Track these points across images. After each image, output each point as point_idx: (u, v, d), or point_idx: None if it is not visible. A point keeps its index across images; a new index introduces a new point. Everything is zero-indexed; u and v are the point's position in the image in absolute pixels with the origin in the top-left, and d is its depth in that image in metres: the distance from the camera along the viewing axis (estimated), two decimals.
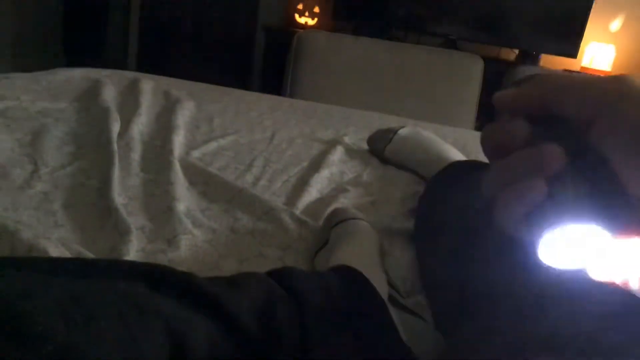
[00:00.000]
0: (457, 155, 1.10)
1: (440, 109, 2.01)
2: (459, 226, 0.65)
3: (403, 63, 2.18)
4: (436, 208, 0.80)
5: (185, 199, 0.79)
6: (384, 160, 1.12)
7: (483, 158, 0.98)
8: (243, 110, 1.33)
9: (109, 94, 1.21)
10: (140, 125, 1.06)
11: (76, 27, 4.15)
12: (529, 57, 2.50)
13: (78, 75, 1.34)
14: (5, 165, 0.77)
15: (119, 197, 0.74)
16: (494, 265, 0.53)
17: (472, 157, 1.23)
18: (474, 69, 2.15)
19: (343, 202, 0.90)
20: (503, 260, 0.51)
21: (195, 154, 0.98)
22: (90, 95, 1.19)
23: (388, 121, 1.40)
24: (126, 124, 1.04)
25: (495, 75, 2.17)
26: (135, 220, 0.71)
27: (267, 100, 1.51)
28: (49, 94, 1.15)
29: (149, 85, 1.32)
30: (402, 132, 1.16)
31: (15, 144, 0.85)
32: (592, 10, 2.36)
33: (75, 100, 1.16)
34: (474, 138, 1.42)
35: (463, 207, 0.68)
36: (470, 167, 0.93)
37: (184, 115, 1.16)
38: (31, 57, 3.55)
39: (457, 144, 1.31)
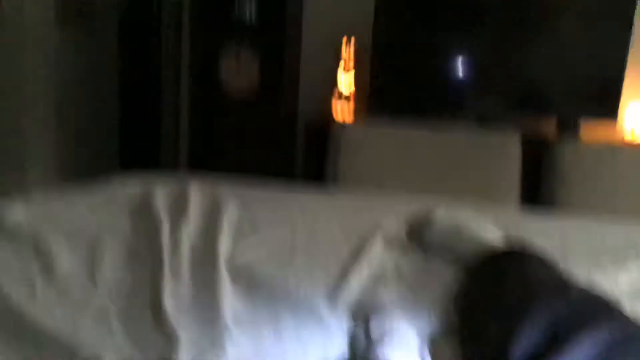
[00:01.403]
0: (494, 233, 1.11)
1: (482, 189, 2.03)
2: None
3: (440, 147, 2.23)
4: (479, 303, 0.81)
5: (230, 303, 0.83)
6: (423, 246, 1.14)
7: (526, 238, 0.99)
8: (285, 205, 1.40)
9: (160, 202, 1.29)
10: (189, 230, 1.13)
11: (131, 132, 4.45)
12: (568, 125, 2.50)
13: (131, 184, 1.45)
14: (67, 282, 0.84)
15: (169, 307, 0.79)
16: None
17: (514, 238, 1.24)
18: (511, 146, 2.17)
19: (383, 294, 0.92)
20: None
21: (239, 255, 1.03)
22: (143, 205, 1.28)
23: (427, 205, 1.43)
24: (175, 231, 1.11)
25: (535, 148, 2.18)
26: (185, 328, 0.75)
27: (307, 193, 1.57)
28: (105, 206, 1.25)
29: (197, 189, 1.41)
30: (438, 216, 1.19)
31: (76, 260, 0.93)
32: (628, 68, 2.37)
33: (128, 210, 1.24)
34: (514, 215, 1.42)
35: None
36: (506, 259, 0.95)
37: (229, 217, 1.22)
38: (89, 162, 3.80)
39: (498, 222, 1.32)
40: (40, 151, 3.42)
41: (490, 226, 1.14)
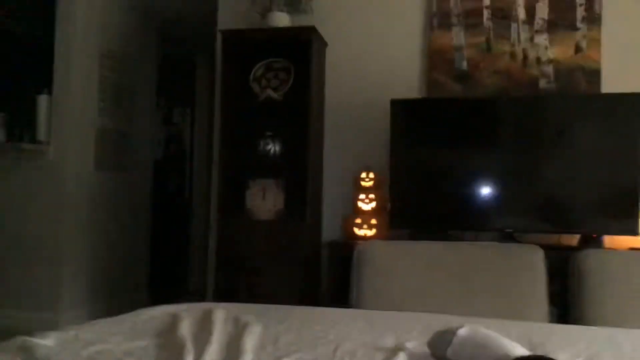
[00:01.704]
0: (519, 350, 1.09)
1: (508, 304, 2.00)
2: None
3: (463, 261, 2.23)
4: None
5: None
6: None
7: (550, 350, 0.98)
8: (307, 326, 1.41)
9: (185, 328, 1.32)
10: (212, 354, 1.15)
11: (163, 266, 4.55)
12: (591, 239, 2.50)
13: (158, 313, 1.49)
14: None
15: None
16: None
17: (539, 349, 1.22)
18: (534, 260, 2.16)
19: None
20: None
21: None
22: (168, 331, 1.31)
23: (450, 322, 1.42)
24: (199, 355, 1.13)
25: (558, 262, 2.17)
26: None
27: (330, 313, 1.58)
28: (132, 334, 1.29)
29: (221, 314, 1.44)
30: (461, 332, 1.18)
31: None
32: None
33: (155, 336, 1.28)
34: (540, 330, 1.40)
35: None
36: None
37: (251, 339, 1.24)
38: (122, 298, 3.86)
39: (522, 337, 1.30)
40: (76, 279, 3.52)
41: (516, 343, 1.13)
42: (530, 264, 2.14)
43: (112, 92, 3.85)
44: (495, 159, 2.73)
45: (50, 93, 3.47)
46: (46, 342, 1.15)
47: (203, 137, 5.21)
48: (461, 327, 1.19)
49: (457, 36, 3.05)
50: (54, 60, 3.50)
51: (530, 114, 2.74)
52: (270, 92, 3.12)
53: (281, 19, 3.11)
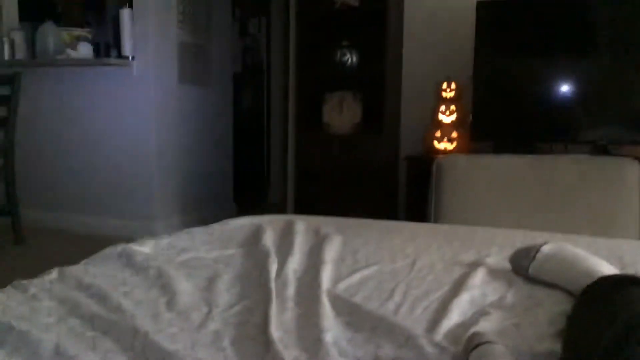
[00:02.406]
0: (608, 269, 1.05)
1: (598, 220, 1.92)
2: None
3: (551, 176, 2.14)
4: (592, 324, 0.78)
5: (332, 330, 0.87)
6: (529, 280, 1.11)
7: None
8: (386, 239, 1.43)
9: (269, 238, 1.38)
10: (294, 263, 1.20)
11: (244, 173, 4.73)
12: None
13: (244, 223, 1.56)
14: (187, 308, 0.93)
15: (276, 332, 0.85)
16: None
17: (630, 269, 1.17)
18: (629, 173, 2.04)
19: (484, 325, 0.91)
20: None
21: (341, 286, 1.07)
22: (253, 241, 1.38)
23: (533, 238, 1.39)
24: (282, 263, 1.18)
25: None
26: (289, 352, 0.80)
27: (408, 227, 1.59)
28: (220, 242, 1.36)
29: (302, 226, 1.49)
30: (545, 248, 1.15)
31: (195, 289, 1.03)
32: None
33: (241, 246, 1.35)
34: (631, 248, 1.33)
35: None
36: (622, 281, 0.89)
37: (331, 251, 1.28)
38: (207, 200, 4.08)
39: (612, 255, 1.25)
40: (166, 191, 3.75)
41: (604, 262, 1.09)
42: (623, 178, 2.02)
43: (189, 5, 3.85)
44: (589, 65, 2.52)
45: (131, 7, 3.52)
46: (144, 248, 1.24)
47: (279, 48, 5.16)
48: (545, 243, 1.16)
49: None
50: None
51: (630, 16, 2.46)
52: None
53: None
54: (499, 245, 1.37)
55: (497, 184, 2.17)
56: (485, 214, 2.01)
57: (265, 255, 1.23)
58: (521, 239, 1.41)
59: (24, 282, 1.00)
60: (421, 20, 3.11)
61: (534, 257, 1.14)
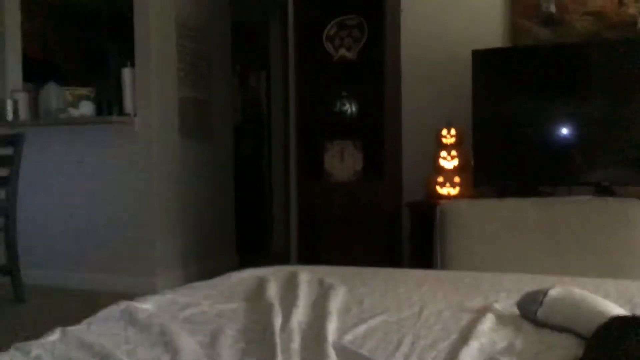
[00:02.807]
0: (618, 311, 1.04)
1: (606, 262, 1.89)
2: None
3: (556, 219, 2.13)
4: None
5: None
6: (538, 324, 1.09)
7: None
8: (391, 288, 1.41)
9: (272, 290, 1.37)
10: (299, 315, 1.18)
11: (246, 222, 4.73)
12: None
13: (247, 276, 1.55)
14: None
15: None
16: None
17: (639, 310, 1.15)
18: (635, 214, 2.03)
19: None
20: None
21: (348, 337, 1.05)
22: (257, 294, 1.36)
23: (540, 282, 1.37)
24: (287, 316, 1.16)
25: None
26: None
27: (413, 275, 1.57)
28: (223, 297, 1.35)
29: (306, 277, 1.47)
30: (553, 292, 1.14)
31: (198, 346, 1.00)
32: None
33: (244, 299, 1.33)
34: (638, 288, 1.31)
35: None
36: (634, 322, 0.88)
37: (336, 301, 1.26)
38: (212, 260, 4.05)
39: (622, 297, 1.24)
40: (168, 244, 3.73)
41: (612, 303, 1.07)
42: (629, 219, 2.02)
43: (190, 61, 3.95)
44: (588, 108, 2.55)
45: (133, 66, 3.61)
46: (146, 306, 1.23)
47: (279, 100, 5.26)
48: (553, 287, 1.15)
49: None
50: (134, 34, 3.62)
51: (626, 59, 2.52)
52: (344, 51, 3.07)
53: None
54: (506, 291, 1.35)
55: (502, 229, 2.16)
56: (492, 259, 1.99)
57: (269, 308, 1.21)
58: (529, 283, 1.39)
59: (26, 343, 0.98)
60: (418, 69, 3.18)
61: (542, 301, 1.12)
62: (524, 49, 2.80)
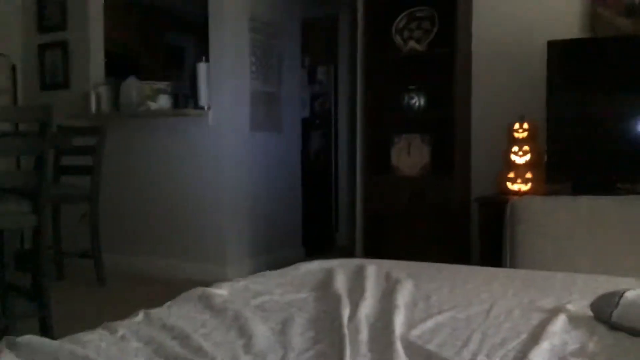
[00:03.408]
0: None
1: None
2: None
3: (635, 218, 2.04)
4: None
5: None
6: (613, 327, 1.06)
7: None
8: (459, 284, 1.40)
9: (340, 282, 1.40)
10: (366, 308, 1.20)
11: (313, 216, 4.80)
12: None
13: (315, 267, 1.59)
14: (263, 351, 0.96)
15: None
16: None
17: None
18: None
19: None
20: None
21: (415, 332, 1.07)
22: (325, 285, 1.39)
23: (616, 284, 1.32)
24: (354, 308, 1.19)
25: None
26: None
27: (483, 272, 1.55)
28: (293, 286, 1.39)
29: (373, 270, 1.49)
30: (629, 294, 1.10)
31: (270, 332, 1.05)
32: None
33: (313, 290, 1.37)
34: None
35: None
36: None
37: (403, 295, 1.28)
38: (278, 252, 4.15)
39: None
40: (238, 234, 3.86)
41: None
42: None
43: (261, 55, 4.04)
44: None
45: (208, 61, 3.74)
46: (221, 291, 1.29)
47: (347, 93, 5.28)
48: (630, 289, 1.11)
49: None
50: (209, 31, 3.74)
51: None
52: (413, 44, 3.05)
53: None
54: (579, 291, 1.31)
55: (576, 227, 2.08)
56: (565, 258, 1.93)
57: (337, 300, 1.24)
58: (603, 284, 1.35)
59: (114, 323, 1.06)
60: (490, 61, 3.10)
61: (617, 303, 1.09)
62: (604, 40, 2.67)
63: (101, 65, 4.27)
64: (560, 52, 2.59)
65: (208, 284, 1.36)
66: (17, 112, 3.26)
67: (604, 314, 1.09)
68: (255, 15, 3.97)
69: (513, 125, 2.82)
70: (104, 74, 4.28)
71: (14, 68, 4.35)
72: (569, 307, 1.19)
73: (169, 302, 1.23)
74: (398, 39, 3.12)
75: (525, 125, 2.79)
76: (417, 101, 3.08)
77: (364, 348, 0.98)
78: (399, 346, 0.98)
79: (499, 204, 2.46)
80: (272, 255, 4.06)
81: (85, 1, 4.16)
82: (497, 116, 3.03)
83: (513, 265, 2.00)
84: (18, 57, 4.41)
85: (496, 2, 3.08)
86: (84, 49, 4.19)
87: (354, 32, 3.88)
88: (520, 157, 2.77)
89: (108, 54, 4.34)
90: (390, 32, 3.14)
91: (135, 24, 4.85)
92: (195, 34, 5.08)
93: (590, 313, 1.13)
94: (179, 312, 1.16)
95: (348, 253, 3.59)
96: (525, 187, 2.72)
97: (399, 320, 1.11)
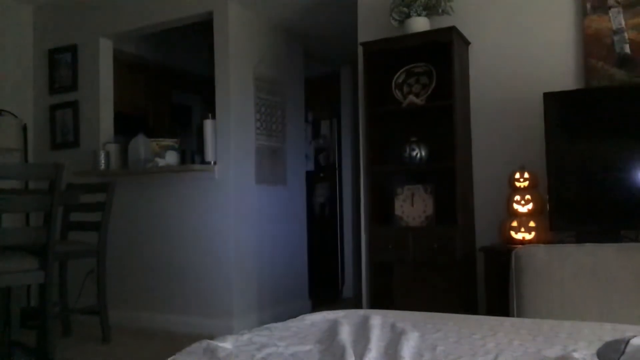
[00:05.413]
0: None
1: None
2: None
3: (639, 265, 2.03)
4: None
5: None
6: None
7: None
8: (465, 334, 1.40)
9: (345, 333, 1.39)
10: (371, 359, 1.20)
11: (318, 268, 4.77)
12: None
13: (320, 318, 1.58)
14: None
15: None
16: None
17: None
18: None
19: None
20: None
21: None
22: (329, 336, 1.39)
23: (623, 331, 1.32)
24: (359, 359, 1.19)
25: None
26: None
27: (489, 321, 1.54)
28: (298, 338, 1.39)
29: (377, 321, 1.49)
30: (636, 341, 1.09)
31: None
32: None
33: (318, 341, 1.36)
34: None
35: None
36: None
37: (408, 346, 1.27)
38: (285, 305, 4.11)
39: None
40: (244, 288, 3.83)
41: None
42: None
43: (266, 112, 4.15)
44: None
45: (214, 117, 3.84)
46: (225, 344, 1.29)
47: (349, 146, 5.37)
48: (636, 336, 1.11)
49: (616, 18, 2.79)
50: (216, 89, 3.87)
51: None
52: (412, 98, 3.13)
53: (420, 24, 3.11)
54: (586, 340, 1.31)
55: (582, 275, 2.08)
56: (570, 306, 1.91)
57: (342, 351, 1.24)
58: (610, 332, 1.34)
59: None
60: (488, 113, 3.17)
61: (623, 350, 1.09)
62: (599, 90, 2.74)
63: (110, 124, 4.38)
64: (556, 103, 2.66)
65: (214, 338, 1.36)
66: (28, 169, 3.34)
67: None
68: (260, 75, 4.11)
69: (514, 175, 2.86)
70: (113, 132, 4.39)
71: (25, 128, 4.47)
72: (576, 355, 1.18)
73: (173, 356, 1.23)
74: (398, 94, 3.21)
75: (526, 175, 2.82)
76: (419, 152, 3.13)
77: None
78: None
79: (503, 253, 2.46)
80: (279, 308, 4.03)
81: (95, 63, 4.32)
82: (497, 165, 3.07)
83: (520, 314, 1.99)
84: (30, 117, 4.54)
85: (492, 55, 3.18)
86: (94, 108, 4.32)
87: (355, 88, 4.00)
88: (522, 206, 2.79)
89: (117, 113, 4.47)
90: (390, 86, 3.23)
91: (144, 84, 5.00)
92: (201, 93, 5.24)
93: None
94: None
95: (354, 304, 3.57)
96: (529, 236, 2.72)
97: None
